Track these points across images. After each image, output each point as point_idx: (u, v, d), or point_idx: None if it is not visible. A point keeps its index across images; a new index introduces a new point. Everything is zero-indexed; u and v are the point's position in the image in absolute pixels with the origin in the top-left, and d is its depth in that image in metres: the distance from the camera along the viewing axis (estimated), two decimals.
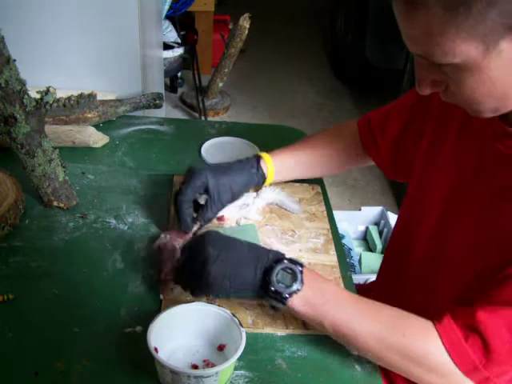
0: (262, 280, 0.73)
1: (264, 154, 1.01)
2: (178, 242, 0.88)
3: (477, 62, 0.60)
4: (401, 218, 1.02)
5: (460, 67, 0.61)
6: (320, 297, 0.73)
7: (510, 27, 0.56)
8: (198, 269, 0.73)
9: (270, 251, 0.76)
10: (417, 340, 0.70)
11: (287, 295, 0.72)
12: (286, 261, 0.73)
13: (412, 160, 0.95)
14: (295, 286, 0.72)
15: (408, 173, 0.97)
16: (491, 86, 0.62)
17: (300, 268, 0.73)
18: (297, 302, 0.72)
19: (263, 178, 1.00)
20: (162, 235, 0.89)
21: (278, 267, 0.72)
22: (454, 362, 0.68)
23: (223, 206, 0.96)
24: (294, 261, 0.74)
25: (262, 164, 1.00)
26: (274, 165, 1.01)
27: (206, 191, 0.93)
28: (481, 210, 0.76)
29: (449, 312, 0.70)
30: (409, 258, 0.93)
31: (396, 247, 1.03)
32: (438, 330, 0.69)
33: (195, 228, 0.92)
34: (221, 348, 0.75)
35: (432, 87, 0.68)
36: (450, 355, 0.68)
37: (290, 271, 0.72)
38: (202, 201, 0.94)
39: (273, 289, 0.72)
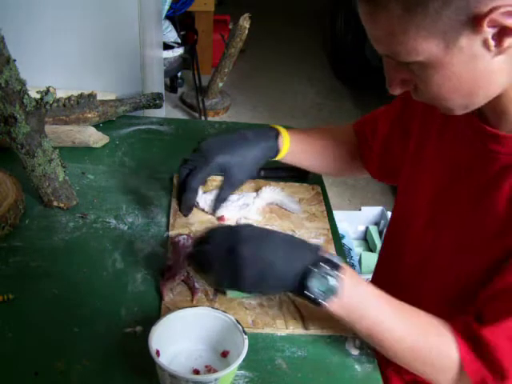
0: (298, 282, 0.69)
1: (282, 130, 0.98)
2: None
3: (439, 59, 0.61)
4: (392, 220, 1.02)
5: (425, 65, 0.62)
6: (357, 303, 0.71)
7: (465, 23, 0.57)
8: (232, 269, 0.68)
9: (307, 251, 0.70)
10: (441, 350, 0.70)
11: (323, 301, 0.68)
12: (323, 264, 0.68)
13: (399, 161, 0.95)
14: (332, 293, 0.68)
15: (394, 174, 0.97)
16: (456, 83, 0.63)
17: (338, 273, 0.68)
18: (333, 307, 0.69)
19: (276, 154, 0.97)
20: (181, 236, 0.92)
21: (316, 272, 0.67)
22: (467, 373, 0.69)
23: (239, 186, 0.93)
24: (333, 262, 0.69)
25: (280, 140, 0.96)
26: (290, 144, 0.98)
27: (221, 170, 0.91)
28: (466, 209, 0.77)
29: (459, 323, 0.71)
30: (401, 259, 0.92)
31: (389, 248, 1.03)
32: (456, 340, 0.70)
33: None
34: (224, 354, 0.75)
35: (402, 86, 0.69)
36: (463, 364, 0.69)
37: (327, 276, 0.68)
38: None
39: (308, 293, 0.68)
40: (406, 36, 0.60)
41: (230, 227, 0.73)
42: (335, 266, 0.68)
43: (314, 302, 0.69)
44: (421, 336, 0.71)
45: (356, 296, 0.70)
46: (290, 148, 0.98)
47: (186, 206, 0.90)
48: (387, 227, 1.04)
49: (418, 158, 0.88)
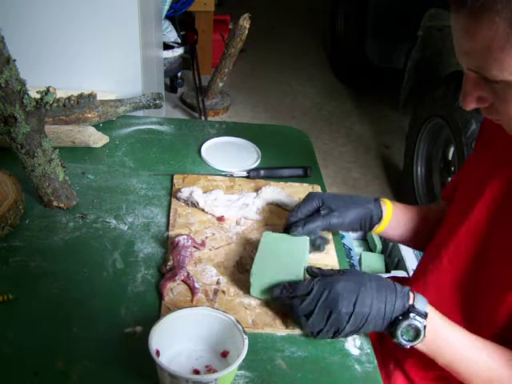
0: (386, 327, 0.76)
1: (384, 199, 1.01)
2: (193, 246, 0.93)
3: None
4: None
5: None
6: (439, 352, 0.77)
7: None
8: (331, 324, 0.76)
9: (397, 300, 0.75)
10: None
11: (407, 346, 0.75)
12: (411, 314, 0.74)
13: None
14: (417, 341, 0.75)
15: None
16: None
17: (424, 323, 0.74)
18: (416, 346, 0.76)
19: (379, 215, 0.98)
20: (181, 236, 0.92)
21: (404, 323, 0.74)
22: None
23: (330, 225, 0.95)
24: (420, 312, 0.74)
25: (382, 203, 0.99)
26: (393, 210, 0.99)
27: (319, 208, 0.95)
28: None
29: None
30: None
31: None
32: None
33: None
34: (224, 355, 0.75)
35: (477, 103, 0.69)
36: None
37: (414, 325, 0.74)
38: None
39: (395, 340, 0.75)
40: (504, 53, 0.59)
41: (324, 283, 0.77)
42: (421, 315, 0.74)
43: (400, 345, 0.76)
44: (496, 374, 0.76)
45: (439, 346, 0.76)
46: (392, 216, 0.99)
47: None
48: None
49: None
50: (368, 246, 2.17)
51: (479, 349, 0.76)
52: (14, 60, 0.84)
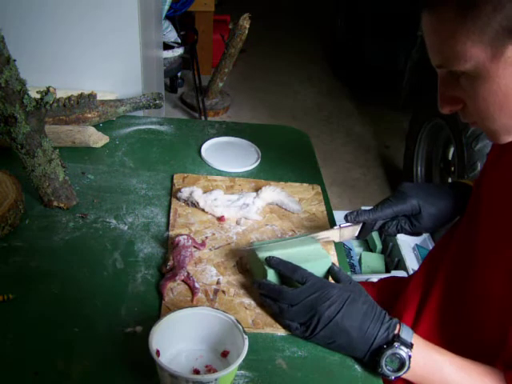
0: (369, 356, 0.75)
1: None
2: (193, 246, 0.93)
3: (486, 68, 0.61)
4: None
5: (473, 76, 0.63)
6: (424, 376, 0.75)
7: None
8: (308, 320, 0.76)
9: (383, 326, 0.74)
10: None
11: (392, 377, 0.74)
12: (396, 344, 0.73)
13: None
14: (401, 372, 0.73)
15: None
16: (502, 98, 0.63)
17: (410, 353, 0.73)
18: (405, 377, 0.75)
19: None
20: (181, 236, 0.92)
21: (388, 352, 0.73)
22: None
23: (419, 233, 0.94)
24: (405, 342, 0.73)
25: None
26: None
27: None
28: None
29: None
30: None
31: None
32: None
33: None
34: (224, 354, 0.75)
35: (451, 104, 0.70)
36: None
37: (399, 355, 0.72)
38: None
39: (380, 370, 0.74)
40: (455, 39, 0.61)
41: (321, 281, 0.78)
42: (406, 345, 0.73)
43: (384, 375, 0.75)
44: None
45: (424, 377, 0.75)
46: None
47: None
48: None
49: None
50: (368, 245, 2.17)
51: (468, 373, 0.74)
52: (14, 60, 0.84)
